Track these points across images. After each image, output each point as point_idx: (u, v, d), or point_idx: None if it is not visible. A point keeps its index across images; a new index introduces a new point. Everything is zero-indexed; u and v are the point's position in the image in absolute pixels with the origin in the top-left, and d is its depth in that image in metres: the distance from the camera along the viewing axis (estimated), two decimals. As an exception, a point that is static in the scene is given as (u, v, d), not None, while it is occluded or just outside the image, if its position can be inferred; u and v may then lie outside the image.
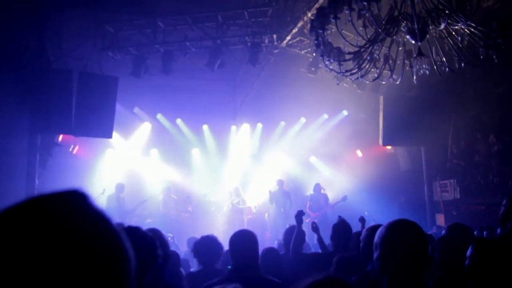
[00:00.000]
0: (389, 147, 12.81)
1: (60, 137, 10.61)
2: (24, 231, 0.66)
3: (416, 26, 5.54)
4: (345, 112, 13.96)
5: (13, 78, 9.26)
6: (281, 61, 11.36)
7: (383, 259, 2.01)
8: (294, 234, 4.77)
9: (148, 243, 2.29)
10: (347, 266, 3.58)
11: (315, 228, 5.46)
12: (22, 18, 9.58)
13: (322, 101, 12.89)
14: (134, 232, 2.29)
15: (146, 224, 9.36)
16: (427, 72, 6.09)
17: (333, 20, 5.77)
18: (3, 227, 0.67)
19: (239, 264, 3.28)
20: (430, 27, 5.67)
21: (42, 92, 9.31)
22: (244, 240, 3.37)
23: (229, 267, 3.53)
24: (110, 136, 10.33)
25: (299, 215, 4.88)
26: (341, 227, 4.80)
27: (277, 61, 11.37)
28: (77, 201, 0.73)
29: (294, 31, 9.77)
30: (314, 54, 10.36)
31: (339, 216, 5.39)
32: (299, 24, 9.47)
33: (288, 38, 10.09)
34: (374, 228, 3.01)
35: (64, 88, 9.53)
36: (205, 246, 4.12)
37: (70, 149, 11.49)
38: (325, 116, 14.20)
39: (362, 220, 5.90)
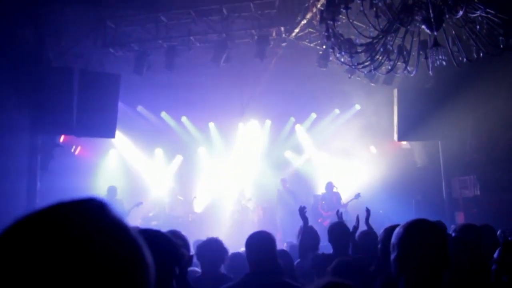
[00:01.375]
0: (404, 143, 12.34)
1: (62, 138, 10.36)
2: (42, 241, 0.67)
3: (431, 15, 5.31)
4: (357, 107, 13.50)
5: (12, 77, 9.03)
6: (289, 54, 10.99)
7: (401, 260, 1.99)
8: (301, 232, 4.69)
9: (167, 245, 2.12)
10: (345, 270, 3.41)
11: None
12: (20, 14, 9.31)
13: (333, 95, 12.55)
14: (150, 234, 2.05)
15: (151, 226, 9.05)
16: (444, 63, 5.85)
17: (344, 11, 5.55)
18: (23, 236, 0.69)
19: (257, 267, 3.15)
20: (446, 16, 5.43)
21: (42, 92, 9.09)
22: (261, 241, 3.24)
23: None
24: (113, 136, 10.09)
25: (302, 211, 4.79)
26: (338, 229, 4.63)
27: (285, 55, 11.00)
28: (97, 209, 0.74)
29: (302, 23, 9.45)
30: (324, 47, 9.99)
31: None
32: (308, 16, 9.13)
33: (297, 30, 9.79)
34: (392, 229, 3.01)
35: (65, 86, 9.32)
36: (209, 249, 3.98)
37: (72, 150, 11.24)
38: (337, 111, 13.78)
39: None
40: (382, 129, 12.18)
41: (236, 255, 4.98)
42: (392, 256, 2.06)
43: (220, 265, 4.01)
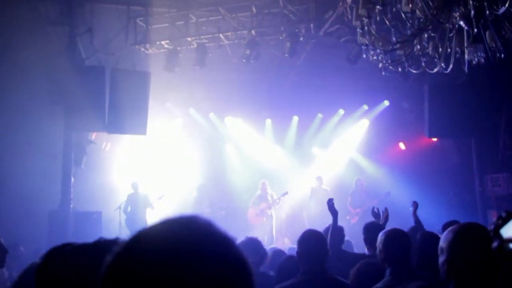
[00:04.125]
0: (435, 139, 12.09)
1: (94, 135, 10.55)
2: (162, 262, 0.73)
3: (471, 11, 5.04)
4: (386, 102, 13.27)
5: (46, 76, 9.25)
6: (318, 50, 10.89)
7: (450, 264, 1.99)
8: (330, 229, 4.64)
9: None
10: (368, 271, 3.43)
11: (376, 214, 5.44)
12: (53, 14, 9.51)
13: (362, 91, 12.35)
14: None
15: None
16: (482, 60, 5.61)
17: (380, 7, 5.39)
18: (143, 255, 0.75)
19: (312, 266, 3.20)
20: (487, 12, 5.22)
21: (75, 90, 9.23)
22: (316, 240, 3.30)
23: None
24: (144, 133, 10.17)
25: (330, 204, 4.74)
26: (373, 228, 4.57)
27: (314, 50, 10.90)
28: (207, 226, 0.82)
29: (332, 18, 9.29)
30: (358, 43, 9.84)
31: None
32: (338, 11, 8.98)
33: (326, 26, 9.62)
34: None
35: (97, 85, 9.48)
36: (248, 250, 3.90)
37: (103, 147, 11.43)
38: (365, 107, 13.57)
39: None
40: (412, 125, 11.99)
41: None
42: (441, 260, 2.05)
43: (260, 265, 4.01)
